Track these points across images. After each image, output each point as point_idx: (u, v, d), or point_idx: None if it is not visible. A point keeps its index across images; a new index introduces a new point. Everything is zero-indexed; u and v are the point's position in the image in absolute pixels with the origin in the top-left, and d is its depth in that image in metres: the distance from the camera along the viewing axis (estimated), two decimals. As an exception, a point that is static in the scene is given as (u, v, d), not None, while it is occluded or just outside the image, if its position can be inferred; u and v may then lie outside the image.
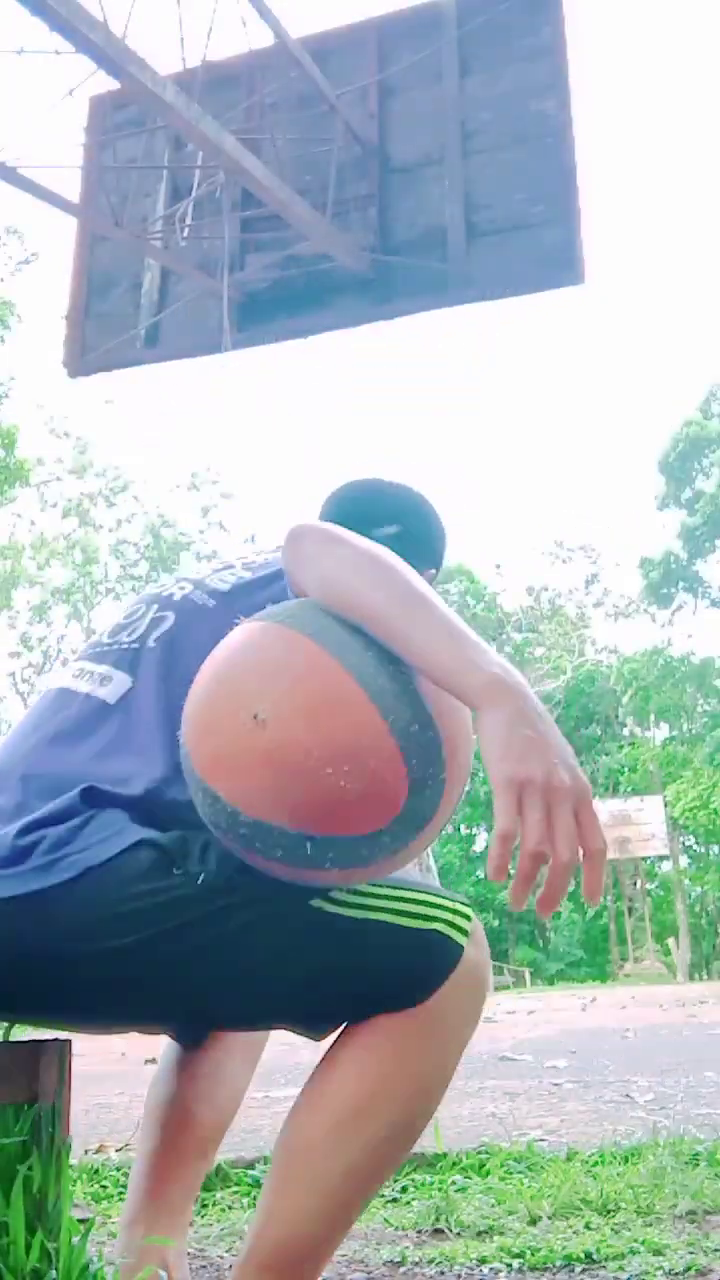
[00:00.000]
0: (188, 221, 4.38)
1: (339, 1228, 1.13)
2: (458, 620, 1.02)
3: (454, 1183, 2.21)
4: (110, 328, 4.35)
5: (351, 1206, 1.13)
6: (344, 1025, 1.12)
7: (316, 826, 0.98)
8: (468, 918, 1.14)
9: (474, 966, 1.11)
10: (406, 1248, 1.81)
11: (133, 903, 1.07)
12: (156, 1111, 1.43)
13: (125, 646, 1.31)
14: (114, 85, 4.14)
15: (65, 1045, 1.34)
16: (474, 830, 36.50)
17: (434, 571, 1.60)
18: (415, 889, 1.13)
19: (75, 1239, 1.36)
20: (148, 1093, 1.45)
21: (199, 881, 1.08)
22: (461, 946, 1.10)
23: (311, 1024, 1.14)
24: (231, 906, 1.09)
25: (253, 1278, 1.11)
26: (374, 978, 1.09)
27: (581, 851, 0.91)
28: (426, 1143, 2.53)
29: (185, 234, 4.37)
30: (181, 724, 1.07)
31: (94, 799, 1.14)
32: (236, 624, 1.12)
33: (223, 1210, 2.14)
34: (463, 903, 1.16)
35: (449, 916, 1.11)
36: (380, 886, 1.11)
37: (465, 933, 1.11)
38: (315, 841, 0.99)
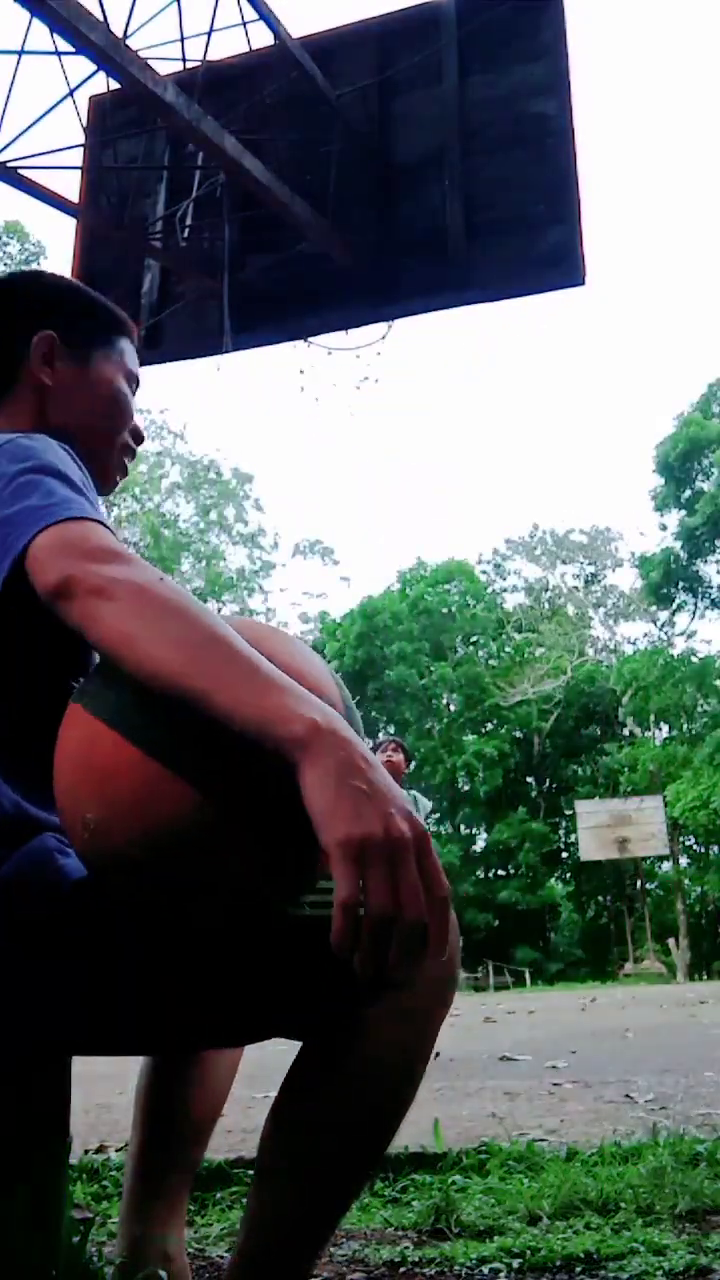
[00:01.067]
0: (188, 222, 4.38)
1: (328, 1224, 1.13)
2: (263, 664, 0.89)
3: (454, 1183, 2.21)
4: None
5: (340, 1201, 1.13)
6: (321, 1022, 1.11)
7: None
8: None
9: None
10: (406, 1248, 1.81)
11: (78, 949, 1.05)
12: (144, 1103, 1.41)
13: None
14: (114, 85, 4.15)
15: (65, 1045, 1.34)
16: (474, 831, 36.49)
17: (50, 334, 1.33)
18: None
19: (75, 1239, 1.36)
20: (136, 1085, 1.44)
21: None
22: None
23: (289, 1032, 1.13)
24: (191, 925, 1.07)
25: (246, 1270, 1.11)
26: (341, 977, 1.08)
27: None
28: (427, 1142, 2.53)
29: (185, 234, 4.37)
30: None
31: None
32: None
33: (223, 1210, 2.14)
34: None
35: None
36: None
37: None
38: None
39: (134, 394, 1.44)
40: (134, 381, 1.44)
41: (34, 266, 21.34)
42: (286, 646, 1.01)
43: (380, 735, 37.89)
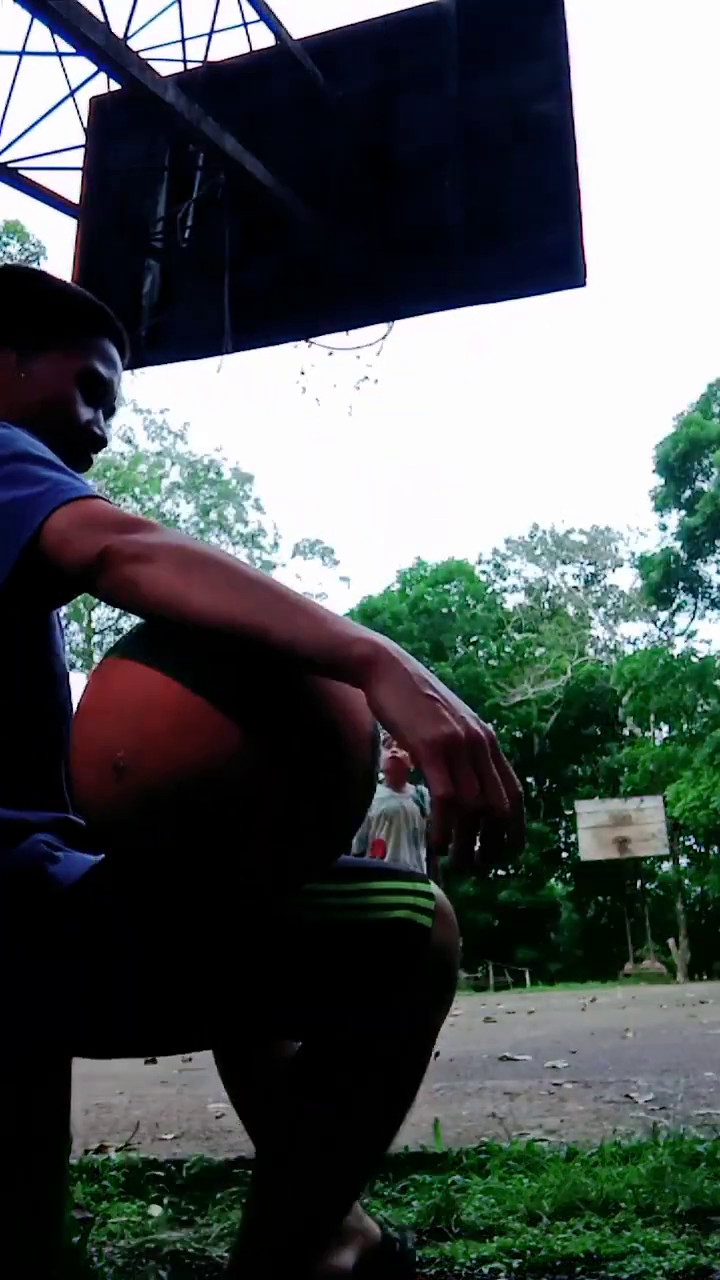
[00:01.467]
0: (188, 222, 4.38)
1: (329, 1224, 1.14)
2: (307, 599, 0.95)
3: (454, 1183, 2.21)
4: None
5: (341, 1200, 1.13)
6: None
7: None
8: (430, 897, 1.11)
9: (441, 948, 1.09)
10: (406, 1248, 1.81)
11: (77, 959, 1.05)
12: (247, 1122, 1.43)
13: None
14: (115, 86, 4.15)
15: (66, 1045, 1.34)
16: (474, 830, 36.37)
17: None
18: (370, 878, 1.10)
19: (75, 1239, 1.36)
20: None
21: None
22: (428, 929, 1.08)
23: (289, 1033, 1.13)
24: (195, 928, 1.06)
25: (248, 1264, 1.11)
26: (344, 980, 1.07)
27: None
28: (427, 1142, 2.53)
29: (186, 235, 4.37)
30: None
31: None
32: None
33: (223, 1210, 2.14)
34: (422, 880, 1.12)
35: (410, 900, 1.09)
36: (333, 884, 1.08)
37: (430, 914, 1.09)
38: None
39: (103, 392, 1.40)
40: (93, 381, 1.38)
41: (32, 266, 21.32)
42: None
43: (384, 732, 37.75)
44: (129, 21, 3.82)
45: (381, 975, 1.06)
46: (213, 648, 0.93)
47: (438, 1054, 3.73)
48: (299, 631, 0.91)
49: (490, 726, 0.90)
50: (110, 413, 1.44)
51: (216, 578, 0.95)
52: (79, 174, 4.50)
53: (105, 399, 1.41)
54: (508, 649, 36.93)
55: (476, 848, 0.87)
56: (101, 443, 1.41)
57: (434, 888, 1.13)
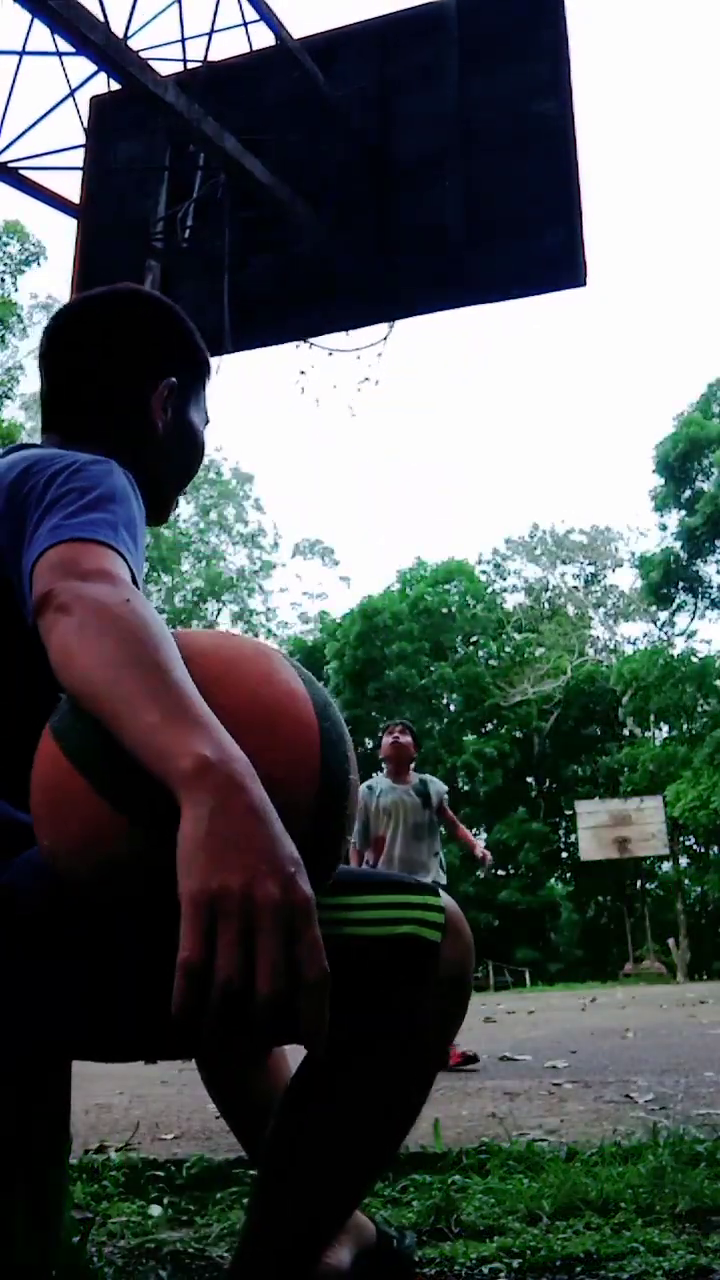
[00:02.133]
0: (188, 222, 4.38)
1: (331, 1226, 1.13)
2: (179, 689, 0.83)
3: (454, 1183, 2.21)
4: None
5: (345, 1203, 1.13)
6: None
7: None
8: (439, 910, 1.06)
9: (453, 964, 1.07)
10: (406, 1248, 1.81)
11: (79, 958, 1.05)
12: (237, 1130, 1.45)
13: None
14: (115, 86, 4.15)
15: (66, 1045, 1.34)
16: (474, 830, 36.49)
17: (174, 381, 1.39)
18: (377, 890, 1.07)
19: (75, 1239, 1.36)
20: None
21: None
22: (436, 944, 1.05)
23: (296, 1038, 1.13)
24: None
25: (248, 1266, 1.11)
26: (348, 998, 1.06)
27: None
28: (427, 1142, 2.53)
29: (186, 235, 4.37)
30: None
31: None
32: None
33: (223, 1210, 2.14)
34: (432, 893, 1.08)
35: (418, 914, 1.05)
36: (336, 898, 1.03)
37: (438, 929, 1.05)
38: None
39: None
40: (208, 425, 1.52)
41: (35, 267, 21.27)
42: (259, 669, 0.96)
43: (379, 734, 37.76)
44: (129, 21, 3.82)
45: (388, 992, 1.05)
46: (104, 727, 0.84)
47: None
48: (140, 728, 0.80)
49: (307, 891, 0.74)
50: None
51: (105, 649, 0.86)
52: (79, 174, 4.50)
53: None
54: (508, 649, 36.92)
55: (236, 1031, 0.73)
56: None
57: (445, 899, 1.10)
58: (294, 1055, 1.16)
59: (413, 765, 5.52)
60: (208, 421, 1.48)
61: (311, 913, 0.74)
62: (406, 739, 5.48)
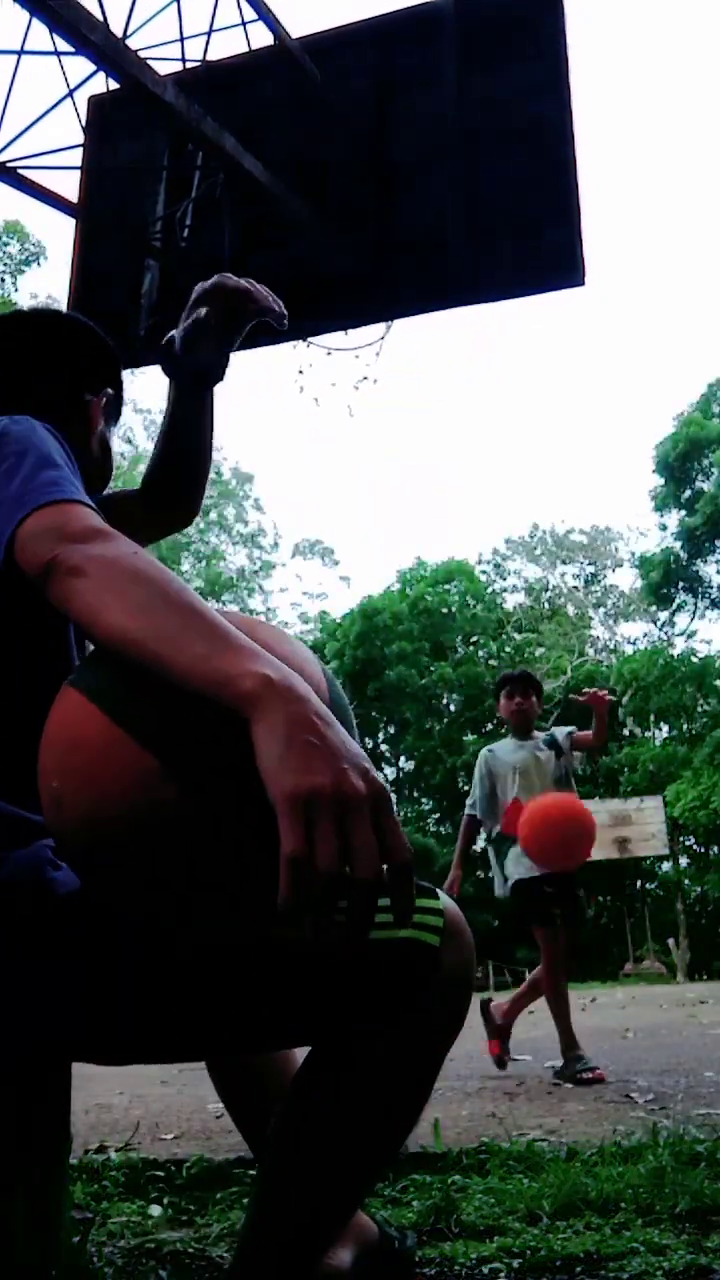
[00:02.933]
0: (188, 222, 4.38)
1: (332, 1226, 1.13)
2: (221, 625, 0.88)
3: (454, 1183, 2.21)
4: (110, 328, 4.34)
5: (346, 1203, 1.13)
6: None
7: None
8: (439, 914, 1.06)
9: (453, 969, 1.07)
10: (406, 1248, 1.81)
11: (79, 963, 1.05)
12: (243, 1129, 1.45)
13: None
14: (114, 85, 4.15)
15: (65, 1045, 1.34)
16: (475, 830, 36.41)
17: (111, 392, 1.56)
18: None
19: (75, 1239, 1.36)
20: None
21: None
22: (436, 949, 1.05)
23: (305, 1040, 1.13)
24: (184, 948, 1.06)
25: (250, 1266, 1.11)
26: (346, 1002, 1.06)
27: (386, 866, 0.79)
28: (427, 1142, 2.53)
29: (185, 235, 4.37)
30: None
31: None
32: None
33: (223, 1210, 2.14)
34: (431, 895, 1.07)
35: (417, 918, 1.04)
36: None
37: (438, 932, 1.05)
38: None
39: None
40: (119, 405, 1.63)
41: (35, 267, 21.29)
42: (273, 634, 0.99)
43: (379, 735, 37.71)
44: (128, 21, 3.82)
45: (389, 994, 1.04)
46: (139, 676, 0.87)
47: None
48: (194, 659, 0.85)
49: (383, 782, 0.81)
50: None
51: (134, 598, 0.90)
52: (78, 174, 4.50)
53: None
54: (508, 649, 36.91)
55: (337, 918, 0.77)
56: None
57: (445, 901, 1.09)
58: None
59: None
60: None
61: (390, 802, 0.81)
62: (529, 701, 4.87)
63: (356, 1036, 1.08)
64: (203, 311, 1.63)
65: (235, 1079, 1.43)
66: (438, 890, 1.10)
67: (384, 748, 37.64)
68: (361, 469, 64.68)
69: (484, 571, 40.44)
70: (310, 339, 4.50)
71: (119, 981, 1.05)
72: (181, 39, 4.23)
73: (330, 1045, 1.10)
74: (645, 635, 35.89)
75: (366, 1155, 1.12)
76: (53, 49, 4.11)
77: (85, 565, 0.94)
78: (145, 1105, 3.95)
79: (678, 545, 28.71)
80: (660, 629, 33.67)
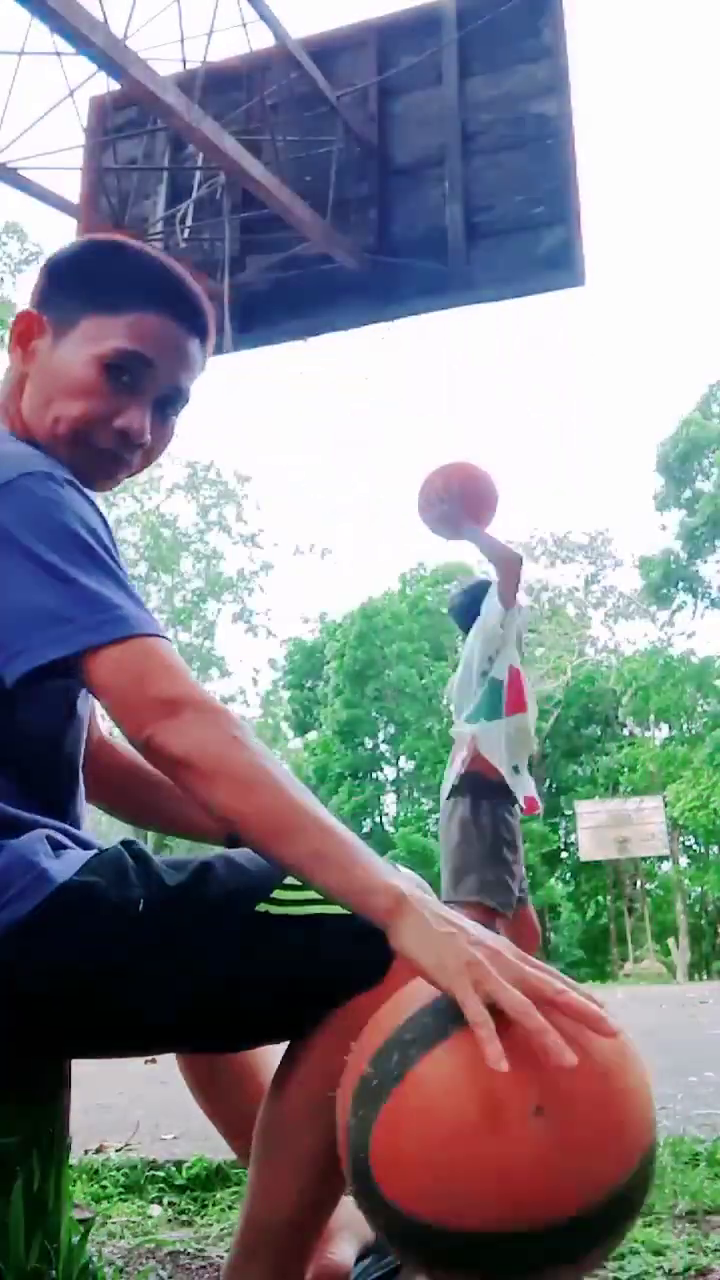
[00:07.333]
0: (188, 223, 4.38)
1: (326, 1204, 1.14)
2: (338, 835, 0.98)
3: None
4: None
5: (336, 1182, 1.14)
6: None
7: None
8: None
9: None
10: (406, 1248, 1.80)
11: (70, 950, 1.07)
12: (220, 1127, 1.44)
13: None
14: (114, 86, 4.15)
15: (66, 1045, 1.34)
16: (474, 830, 36.40)
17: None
18: None
19: (75, 1239, 1.36)
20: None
21: (139, 908, 1.08)
22: None
23: (287, 1031, 1.13)
24: (179, 927, 1.08)
25: (244, 1260, 1.11)
26: (333, 969, 1.07)
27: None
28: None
29: (185, 235, 4.37)
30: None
31: None
32: None
33: (223, 1210, 2.14)
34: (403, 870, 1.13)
35: None
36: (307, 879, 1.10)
37: None
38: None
39: (141, 378, 1.23)
40: (127, 362, 1.21)
41: (34, 266, 21.32)
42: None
43: (379, 735, 37.73)
44: (128, 21, 3.82)
45: (368, 963, 1.05)
46: None
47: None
48: (330, 879, 0.97)
49: (504, 938, 0.93)
50: (166, 405, 1.28)
51: (261, 802, 0.99)
52: (78, 173, 4.50)
53: (145, 386, 1.23)
54: (508, 649, 36.87)
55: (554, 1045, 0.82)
56: (133, 444, 1.25)
57: (402, 873, 1.13)
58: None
59: None
60: (132, 357, 1.30)
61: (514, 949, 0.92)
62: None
63: (335, 1010, 1.09)
64: None
65: (213, 1088, 1.43)
66: (395, 866, 1.15)
67: (384, 748, 37.64)
68: (361, 469, 64.69)
69: (484, 572, 40.41)
70: (311, 339, 4.50)
71: (110, 977, 1.07)
72: (182, 39, 4.23)
73: (308, 1030, 1.11)
74: (645, 635, 35.89)
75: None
76: (53, 49, 4.10)
77: (191, 759, 1.01)
78: (145, 1105, 3.95)
79: (678, 545, 28.71)
80: (660, 629, 33.66)
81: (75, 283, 1.26)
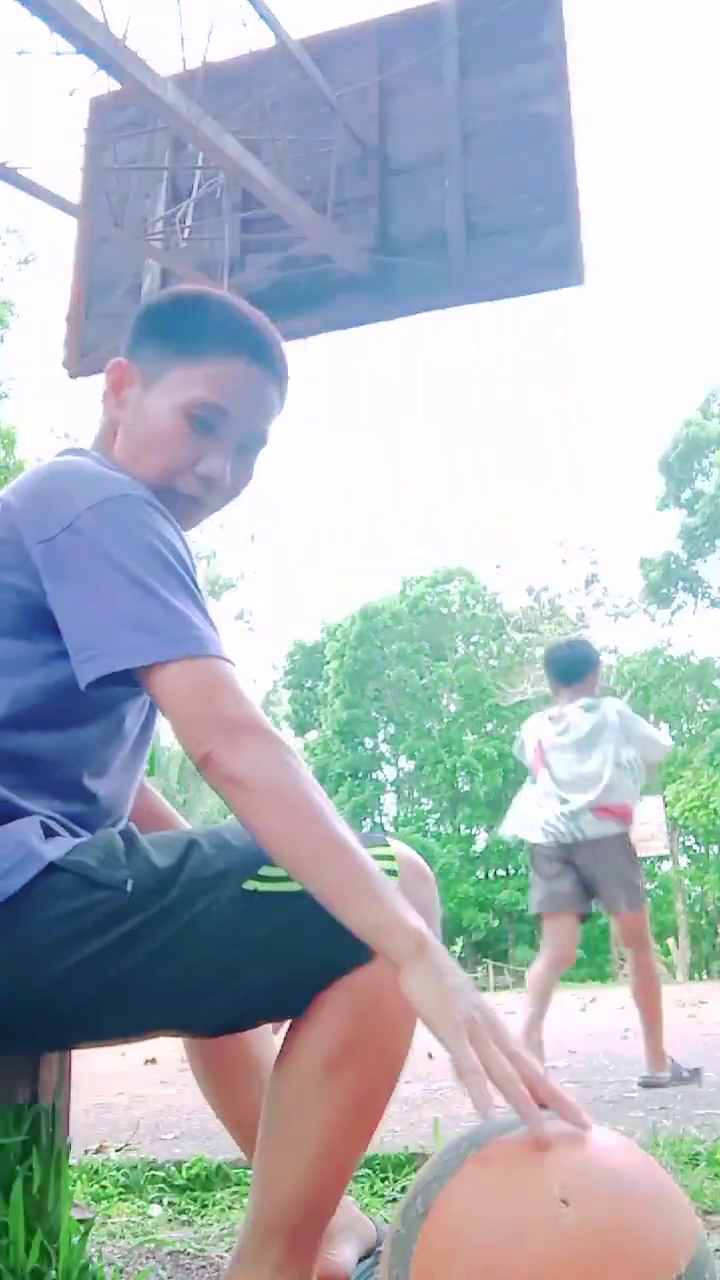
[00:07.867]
0: (188, 222, 4.38)
1: (334, 1182, 1.14)
2: (367, 871, 1.03)
3: (454, 1183, 2.20)
4: (111, 328, 4.35)
5: (343, 1158, 1.14)
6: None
7: None
8: (391, 859, 1.16)
9: (418, 903, 1.11)
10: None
11: (60, 929, 1.08)
12: (229, 1123, 1.46)
13: None
14: (114, 86, 4.15)
15: (65, 1045, 1.34)
16: (473, 831, 36.44)
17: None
18: None
19: (75, 1239, 1.37)
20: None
21: (129, 889, 1.09)
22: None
23: (283, 1009, 1.14)
24: (170, 908, 1.09)
25: (259, 1243, 1.11)
26: (323, 944, 1.08)
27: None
28: (426, 1143, 2.53)
29: (185, 235, 4.37)
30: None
31: None
32: None
33: (223, 1210, 2.14)
34: (380, 843, 1.17)
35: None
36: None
37: (394, 875, 1.14)
38: None
39: (218, 423, 1.31)
40: (206, 412, 1.30)
41: (34, 266, 21.28)
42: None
43: (379, 735, 37.78)
44: (128, 21, 3.82)
45: (346, 948, 1.06)
46: None
47: (430, 1055, 3.72)
48: (352, 914, 1.02)
49: (499, 1011, 0.98)
50: (246, 447, 1.36)
51: (301, 833, 1.04)
52: (79, 174, 4.49)
53: (225, 433, 1.33)
54: (508, 649, 36.92)
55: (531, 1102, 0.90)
56: (215, 487, 1.33)
57: (397, 846, 1.18)
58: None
59: None
60: (214, 409, 1.41)
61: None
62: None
63: (326, 991, 1.10)
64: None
65: (221, 1078, 1.44)
66: (387, 839, 1.19)
67: (384, 748, 37.63)
68: (361, 469, 64.67)
69: (484, 572, 40.41)
70: (311, 339, 4.50)
71: (100, 960, 1.08)
72: (182, 39, 4.23)
73: (309, 1011, 1.11)
74: (645, 635, 35.89)
75: (350, 1114, 1.12)
76: (53, 49, 4.11)
77: (245, 779, 1.05)
78: (145, 1105, 3.95)
79: (678, 545, 28.72)
80: (660, 629, 33.67)
81: (161, 333, 1.37)
